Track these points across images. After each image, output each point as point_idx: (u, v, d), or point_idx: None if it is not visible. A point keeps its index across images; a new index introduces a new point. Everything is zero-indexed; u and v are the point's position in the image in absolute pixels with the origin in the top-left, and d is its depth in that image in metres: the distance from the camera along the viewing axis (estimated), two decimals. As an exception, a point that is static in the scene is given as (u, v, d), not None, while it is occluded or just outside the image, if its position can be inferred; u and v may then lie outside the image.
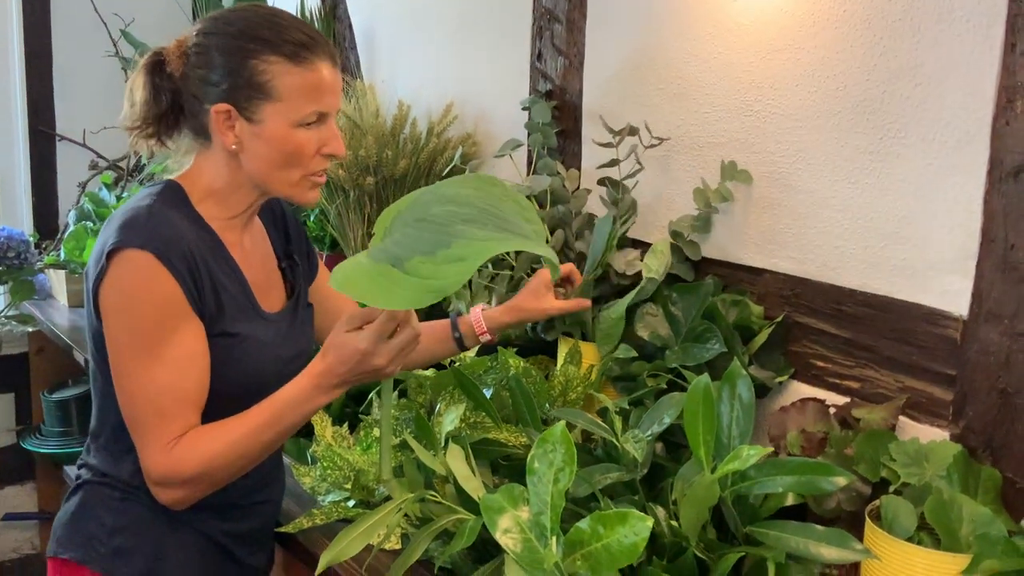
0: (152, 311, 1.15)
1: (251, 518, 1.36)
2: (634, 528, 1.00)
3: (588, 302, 1.49)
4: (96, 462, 1.30)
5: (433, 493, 1.24)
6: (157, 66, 1.23)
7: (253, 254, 1.32)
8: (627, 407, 1.34)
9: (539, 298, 1.47)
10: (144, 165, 2.72)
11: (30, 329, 2.49)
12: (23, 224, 2.88)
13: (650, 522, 0.99)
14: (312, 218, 2.21)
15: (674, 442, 1.38)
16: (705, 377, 1.10)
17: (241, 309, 1.25)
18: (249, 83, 1.17)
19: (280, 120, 1.19)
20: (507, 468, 1.36)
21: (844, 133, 1.37)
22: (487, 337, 1.49)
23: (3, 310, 2.53)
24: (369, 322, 1.15)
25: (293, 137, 1.19)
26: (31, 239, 2.46)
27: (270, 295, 1.33)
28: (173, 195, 1.23)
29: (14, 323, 2.43)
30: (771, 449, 1.07)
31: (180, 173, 1.27)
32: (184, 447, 1.17)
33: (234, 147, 1.20)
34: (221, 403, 1.21)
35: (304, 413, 1.19)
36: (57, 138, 2.90)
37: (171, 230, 1.17)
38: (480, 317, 1.49)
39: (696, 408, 1.11)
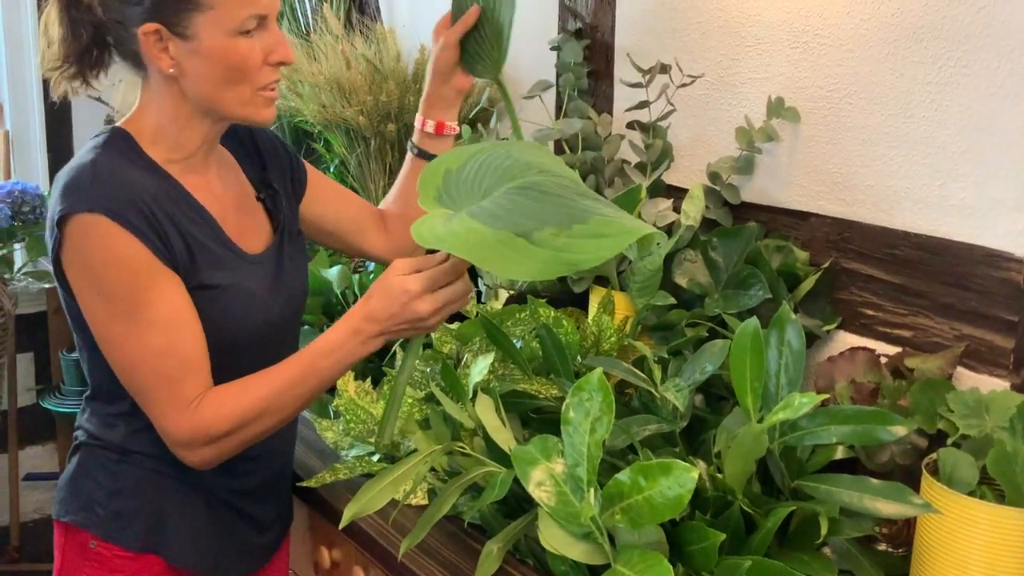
0: (121, 276, 1.07)
1: (260, 471, 1.28)
2: (678, 479, 0.93)
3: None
4: (90, 425, 1.23)
5: (461, 445, 1.18)
6: None
7: (225, 193, 1.21)
8: (666, 356, 1.26)
9: (447, 77, 1.31)
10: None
11: (47, 285, 2.45)
12: (39, 182, 2.83)
13: (696, 473, 0.93)
14: (332, 169, 2.14)
15: (714, 394, 1.31)
16: (754, 320, 1.03)
17: (217, 257, 1.15)
18: None
19: (215, 31, 1.06)
20: (538, 422, 1.29)
21: (900, 63, 1.28)
22: (431, 125, 1.34)
23: (21, 267, 2.49)
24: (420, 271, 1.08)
25: (234, 48, 1.08)
26: (46, 194, 2.41)
27: (253, 233, 1.23)
28: (119, 144, 1.12)
29: (31, 279, 2.39)
30: (825, 396, 0.99)
31: (126, 117, 1.15)
32: (211, 405, 1.10)
33: (171, 71, 1.08)
34: (214, 358, 1.13)
35: (340, 364, 1.11)
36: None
37: (120, 185, 1.07)
38: (431, 124, 1.35)
39: (744, 354, 1.04)
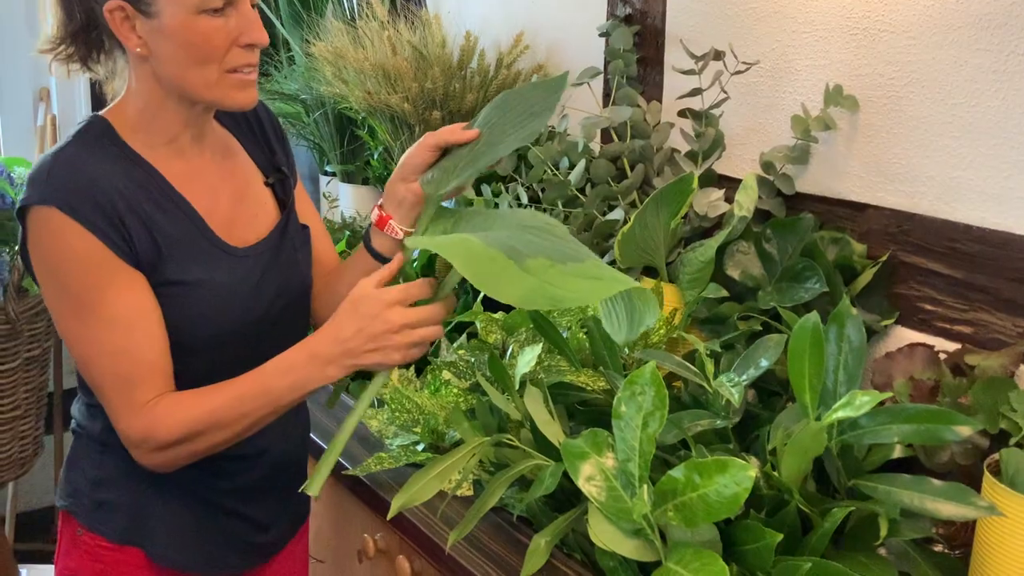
0: (75, 271, 1.04)
1: (253, 471, 1.23)
2: (735, 478, 0.91)
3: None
4: (79, 414, 1.22)
5: (509, 437, 1.17)
6: None
7: (220, 180, 1.17)
8: (718, 350, 1.24)
9: (407, 177, 1.14)
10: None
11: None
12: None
13: (753, 471, 0.91)
14: (375, 156, 2.13)
15: (766, 389, 1.28)
16: (814, 315, 1.00)
17: (193, 251, 1.11)
18: None
19: (177, 8, 1.03)
20: (584, 414, 1.28)
21: (964, 51, 1.24)
22: (375, 215, 1.18)
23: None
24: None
25: (196, 27, 1.03)
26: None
27: (249, 224, 1.18)
28: (94, 132, 1.09)
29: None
30: (889, 395, 0.96)
31: (110, 105, 1.13)
32: (163, 411, 1.06)
33: (139, 50, 1.05)
34: (193, 357, 1.10)
35: (296, 388, 1.06)
36: (118, 78, 2.86)
37: (78, 177, 1.04)
38: (376, 212, 1.19)
39: (803, 349, 1.01)
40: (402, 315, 1.03)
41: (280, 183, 1.24)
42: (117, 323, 1.05)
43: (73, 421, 1.24)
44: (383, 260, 1.18)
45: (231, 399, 1.06)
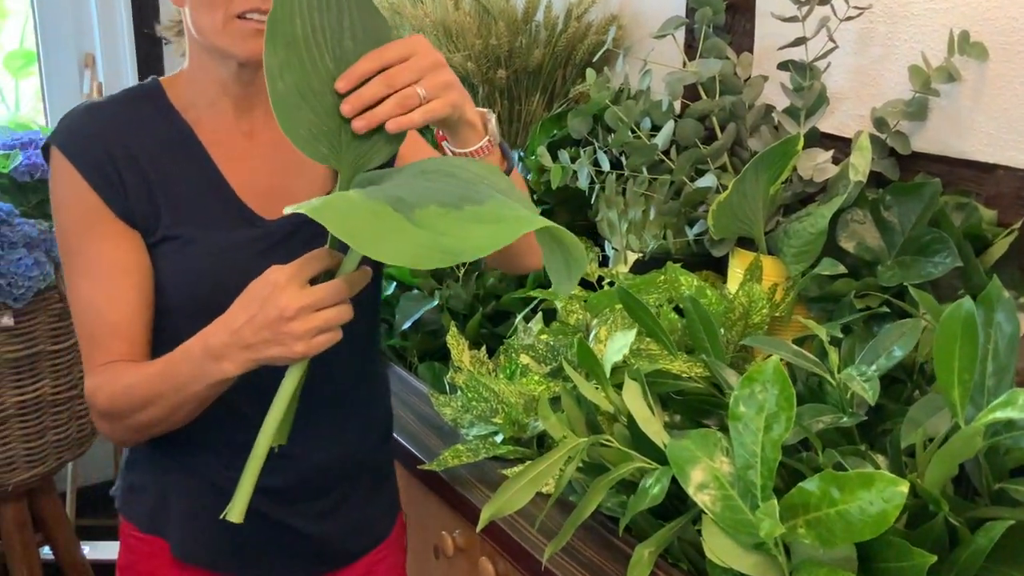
0: (68, 214, 1.04)
1: (278, 472, 1.07)
2: (883, 494, 0.79)
3: None
4: None
5: (607, 438, 1.05)
6: None
7: (270, 150, 1.09)
8: (838, 335, 1.11)
9: None
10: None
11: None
12: (134, 134, 2.78)
13: (905, 487, 0.79)
14: (435, 119, 2.01)
15: (888, 375, 1.14)
16: (968, 301, 0.86)
17: (201, 210, 1.05)
18: None
19: None
20: (680, 404, 1.16)
21: (1124, -13, 1.08)
22: (446, 148, 1.03)
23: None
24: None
25: None
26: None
27: (288, 199, 1.03)
28: (138, 90, 1.10)
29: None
30: (1060, 394, 0.83)
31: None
32: (108, 376, 1.01)
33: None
34: (192, 321, 0.98)
35: (196, 379, 0.94)
36: (164, 42, 2.76)
37: (87, 124, 1.04)
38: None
39: (952, 339, 0.87)
40: (296, 298, 0.87)
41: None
42: (90, 275, 1.04)
43: None
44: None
45: (147, 377, 0.99)
